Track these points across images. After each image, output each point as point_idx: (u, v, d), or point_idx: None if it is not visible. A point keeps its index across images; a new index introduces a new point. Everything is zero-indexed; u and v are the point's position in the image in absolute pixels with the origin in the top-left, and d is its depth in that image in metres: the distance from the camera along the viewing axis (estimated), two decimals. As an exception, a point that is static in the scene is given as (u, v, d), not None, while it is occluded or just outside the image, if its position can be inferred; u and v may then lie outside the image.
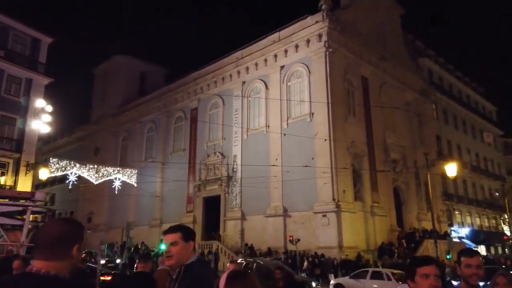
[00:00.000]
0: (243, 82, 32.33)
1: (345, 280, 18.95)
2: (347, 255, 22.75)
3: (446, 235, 29.42)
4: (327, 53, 26.89)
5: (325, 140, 25.04)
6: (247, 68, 32.20)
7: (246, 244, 26.82)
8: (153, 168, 36.94)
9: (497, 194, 42.97)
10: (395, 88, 33.56)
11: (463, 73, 49.85)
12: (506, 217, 37.86)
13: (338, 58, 27.66)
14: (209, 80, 34.95)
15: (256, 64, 31.50)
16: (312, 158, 24.82)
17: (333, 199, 24.43)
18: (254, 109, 31.53)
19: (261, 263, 15.27)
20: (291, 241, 23.10)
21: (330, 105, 25.90)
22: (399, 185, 31.25)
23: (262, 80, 31.08)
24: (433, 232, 24.35)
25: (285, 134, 27.02)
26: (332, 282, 19.70)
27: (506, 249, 40.93)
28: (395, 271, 17.86)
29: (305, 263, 22.59)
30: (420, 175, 32.24)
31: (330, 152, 25.02)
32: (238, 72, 32.71)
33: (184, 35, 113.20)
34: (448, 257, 24.60)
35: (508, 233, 38.68)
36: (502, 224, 40.14)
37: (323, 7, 27.43)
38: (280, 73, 29.75)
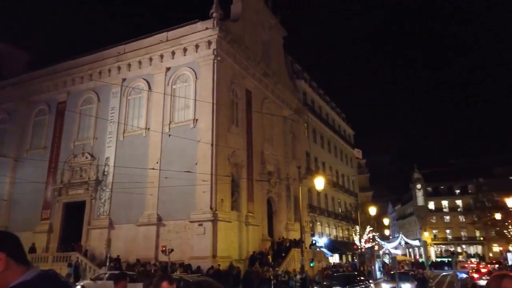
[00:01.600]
0: (124, 79, 30.02)
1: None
2: (219, 264, 22.56)
3: (311, 245, 31.85)
4: (215, 61, 26.83)
5: (211, 145, 24.75)
6: (129, 65, 30.05)
7: (111, 256, 24.40)
8: (1, 165, 31.31)
9: (351, 207, 48.78)
10: (275, 104, 35.45)
11: (330, 98, 55.82)
12: (357, 228, 43.10)
13: (225, 68, 27.86)
14: (84, 73, 31.50)
15: (140, 62, 29.63)
16: (196, 164, 24.19)
17: (211, 208, 24.11)
18: (134, 109, 29.46)
19: (190, 280, 13.53)
20: (163, 252, 21.85)
21: (215, 113, 25.78)
22: (272, 196, 32.76)
23: (145, 79, 29.32)
24: (299, 241, 26.05)
25: (169, 135, 25.85)
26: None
27: (355, 257, 46.42)
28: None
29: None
30: (291, 187, 34.47)
31: (211, 160, 24.76)
32: (119, 68, 30.28)
33: (56, 21, 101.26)
34: (311, 264, 26.52)
35: (357, 243, 43.95)
36: (354, 235, 45.49)
37: (214, 15, 27.42)
38: (166, 75, 28.52)
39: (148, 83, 29.07)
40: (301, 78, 45.90)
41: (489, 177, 65.77)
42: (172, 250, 21.41)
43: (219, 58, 26.97)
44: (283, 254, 28.33)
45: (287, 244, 30.18)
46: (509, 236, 46.54)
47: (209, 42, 27.09)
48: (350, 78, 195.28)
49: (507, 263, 45.07)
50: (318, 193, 43.23)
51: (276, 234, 32.19)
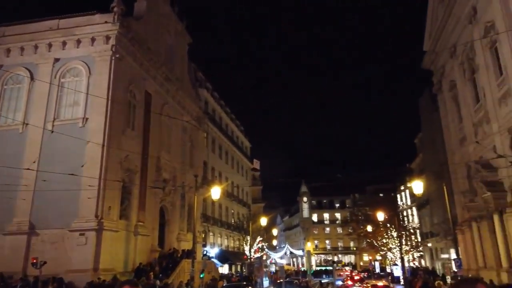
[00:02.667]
0: (0, 66, 26.07)
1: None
2: (99, 278, 20.67)
3: (203, 255, 31.40)
4: (113, 58, 25.05)
5: (102, 146, 22.79)
6: (9, 50, 26.30)
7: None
8: None
9: (244, 218, 49.80)
10: (176, 110, 34.54)
11: (231, 110, 56.74)
12: (248, 239, 44.10)
13: (124, 67, 26.21)
14: None
15: (22, 49, 26.14)
16: (82, 166, 21.92)
17: (96, 216, 22.11)
18: (11, 101, 25.74)
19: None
20: (34, 265, 19.17)
21: (108, 113, 23.93)
22: (166, 205, 31.57)
23: (27, 68, 25.89)
24: (191, 252, 25.49)
25: (52, 132, 23.09)
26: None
27: (244, 267, 47.31)
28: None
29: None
30: (186, 196, 33.71)
31: (101, 163, 22.81)
32: (-6, 52, 26.26)
33: None
34: (201, 276, 26.10)
35: (247, 253, 44.92)
36: (244, 245, 46.42)
37: (115, 9, 25.71)
38: (53, 66, 25.60)
39: (31, 72, 25.74)
40: (204, 87, 45.77)
41: (363, 193, 73.79)
42: (44, 262, 18.91)
43: (117, 55, 25.26)
44: (171, 266, 27.34)
45: (178, 255, 29.29)
46: (377, 246, 52.55)
47: (107, 37, 25.23)
48: (250, 92, 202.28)
49: (375, 270, 50.73)
50: (213, 203, 43.19)
51: (167, 245, 31.00)
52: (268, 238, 61.03)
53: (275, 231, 70.60)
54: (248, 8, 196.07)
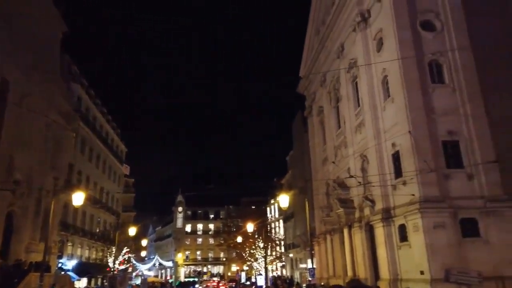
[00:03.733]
0: None
1: None
2: None
3: (56, 268, 27.97)
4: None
5: None
6: None
7: None
8: None
9: (111, 227, 46.34)
10: (40, 104, 30.54)
11: (107, 110, 52.89)
12: (114, 249, 41.11)
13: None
14: None
15: None
16: None
17: None
18: None
19: None
20: None
21: None
22: (15, 210, 27.34)
23: None
24: (41, 264, 22.48)
25: None
26: None
27: (105, 280, 43.74)
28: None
29: None
30: (43, 201, 29.81)
31: None
32: None
33: None
34: (52, 291, 23.17)
35: (111, 264, 41.79)
36: (108, 256, 43.09)
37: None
38: None
39: None
40: (78, 82, 41.72)
41: (237, 205, 76.19)
42: None
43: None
44: (16, 280, 23.65)
45: (25, 268, 25.49)
46: (245, 257, 54.57)
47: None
48: (131, 94, 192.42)
49: (241, 280, 52.39)
50: (76, 210, 39.17)
51: (12, 256, 26.75)
52: (136, 249, 57.92)
53: (144, 242, 67.45)
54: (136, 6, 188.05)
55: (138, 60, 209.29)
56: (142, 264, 70.79)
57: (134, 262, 58.41)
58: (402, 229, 19.49)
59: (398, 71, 19.92)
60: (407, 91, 19.46)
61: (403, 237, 19.37)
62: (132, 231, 38.83)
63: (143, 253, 72.50)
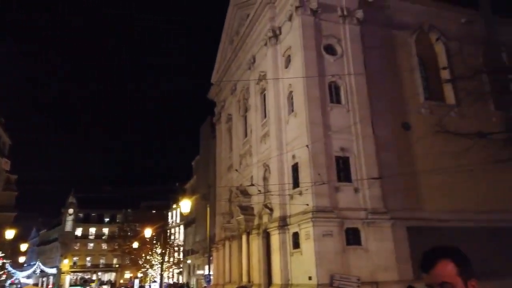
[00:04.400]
0: None
1: None
2: None
3: None
4: None
5: None
6: None
7: None
8: None
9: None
10: None
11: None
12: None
13: None
14: None
15: None
16: None
17: None
18: None
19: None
20: None
21: None
22: None
23: None
24: None
25: None
26: None
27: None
28: None
29: None
30: None
31: None
32: None
33: None
34: None
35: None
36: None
37: None
38: None
39: None
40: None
41: (136, 208, 72.73)
42: None
43: None
44: None
45: None
46: (140, 263, 52.27)
47: None
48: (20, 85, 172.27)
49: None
50: None
51: None
52: (14, 254, 51.45)
53: (24, 246, 60.17)
54: None
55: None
56: (20, 271, 63.09)
57: (10, 268, 51.75)
58: (296, 236, 20.64)
59: (302, 88, 21.24)
60: (309, 108, 20.85)
61: (296, 244, 20.52)
62: (10, 233, 34.46)
63: (22, 259, 64.69)
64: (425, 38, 25.33)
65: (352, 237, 19.40)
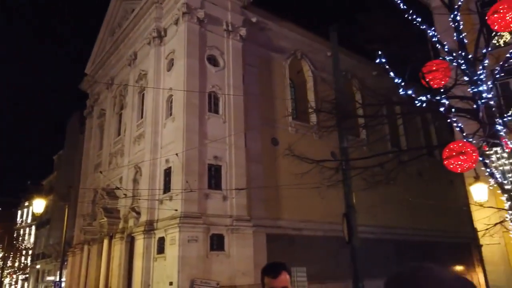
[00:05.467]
0: None
1: None
2: None
3: None
4: None
5: None
6: None
7: None
8: None
9: None
10: None
11: None
12: None
13: None
14: None
15: None
16: None
17: None
18: None
19: None
20: None
21: None
22: None
23: None
24: None
25: None
26: None
27: None
28: None
29: None
30: None
31: None
32: None
33: None
34: None
35: None
36: None
37: None
38: None
39: None
40: None
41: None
42: None
43: None
44: None
45: None
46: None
47: None
48: None
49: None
50: None
51: None
52: None
53: None
54: None
55: None
56: None
57: None
58: (161, 241, 20.51)
59: (182, 94, 21.39)
60: (187, 114, 21.10)
61: (161, 249, 20.39)
62: None
63: None
64: (298, 64, 28.10)
65: (216, 243, 20.19)
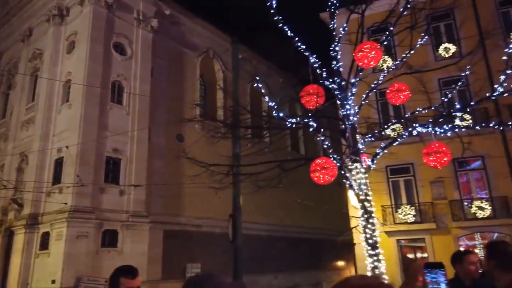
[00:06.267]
0: None
1: None
2: None
3: None
4: None
5: None
6: None
7: None
8: None
9: None
10: None
11: None
12: None
13: None
14: None
15: None
16: None
17: None
18: None
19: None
20: None
21: None
22: None
23: None
24: None
25: None
26: None
27: None
28: None
29: None
30: None
31: None
32: None
33: None
34: None
35: None
36: None
37: None
38: None
39: None
40: None
41: None
42: None
43: None
44: None
45: None
46: None
47: None
48: None
49: None
50: None
51: None
52: None
53: None
54: None
55: None
56: None
57: None
58: (46, 237, 18.94)
59: (82, 80, 20.01)
60: (86, 102, 19.81)
61: (45, 245, 18.82)
62: None
63: None
64: (209, 62, 28.27)
65: (109, 239, 19.34)
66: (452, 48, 16.57)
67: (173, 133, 24.20)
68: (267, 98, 7.14)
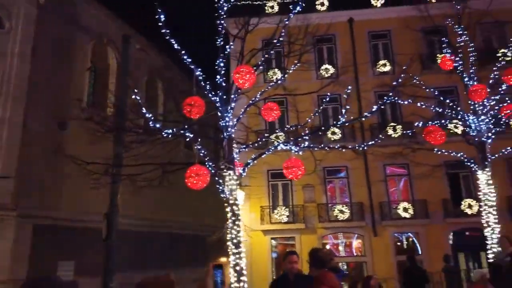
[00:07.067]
0: None
1: None
2: None
3: None
4: None
5: None
6: None
7: None
8: None
9: None
10: None
11: None
12: None
13: None
14: None
15: None
16: None
17: None
18: None
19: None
20: None
21: None
22: None
23: None
24: None
25: None
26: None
27: None
28: None
29: None
30: None
31: None
32: None
33: None
34: None
35: None
36: None
37: None
38: None
39: None
40: None
41: None
42: None
43: None
44: None
45: None
46: None
47: None
48: None
49: None
50: None
51: None
52: None
53: None
54: None
55: None
56: None
57: None
58: None
59: None
60: None
61: None
62: None
63: None
64: (103, 50, 26.70)
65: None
66: (331, 69, 18.75)
67: (55, 120, 22.27)
68: (144, 110, 7.34)
